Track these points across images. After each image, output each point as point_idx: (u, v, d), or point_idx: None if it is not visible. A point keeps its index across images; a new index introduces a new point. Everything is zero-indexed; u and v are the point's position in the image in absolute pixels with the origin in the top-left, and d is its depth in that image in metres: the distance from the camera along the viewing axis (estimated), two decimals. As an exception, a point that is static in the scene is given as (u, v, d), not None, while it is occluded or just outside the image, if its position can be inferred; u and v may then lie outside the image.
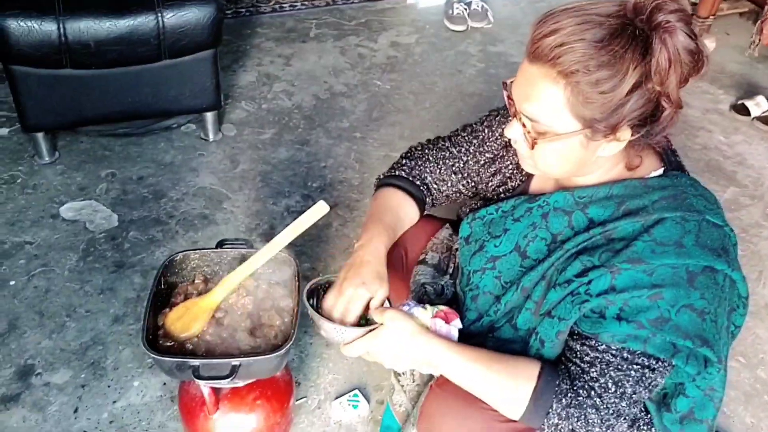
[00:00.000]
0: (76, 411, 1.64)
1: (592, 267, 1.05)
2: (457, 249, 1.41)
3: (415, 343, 1.12)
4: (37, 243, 2.05)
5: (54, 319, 1.84)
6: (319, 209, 1.30)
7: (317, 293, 1.26)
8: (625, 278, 1.01)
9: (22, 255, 2.01)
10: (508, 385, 1.07)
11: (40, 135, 2.28)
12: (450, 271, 1.42)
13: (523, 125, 1.06)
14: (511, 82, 1.09)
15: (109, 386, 1.70)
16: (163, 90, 2.29)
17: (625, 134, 1.03)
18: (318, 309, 1.21)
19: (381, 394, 1.73)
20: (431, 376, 1.36)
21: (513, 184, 1.30)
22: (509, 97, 1.09)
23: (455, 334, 1.17)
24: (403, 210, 1.37)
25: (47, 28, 2.01)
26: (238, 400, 1.40)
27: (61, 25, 2.02)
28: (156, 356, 1.22)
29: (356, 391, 1.71)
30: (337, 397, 1.71)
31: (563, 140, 1.03)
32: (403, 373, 1.44)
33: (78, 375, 1.72)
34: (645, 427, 1.20)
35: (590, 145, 1.04)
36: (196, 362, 1.22)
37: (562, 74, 0.98)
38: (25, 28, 1.99)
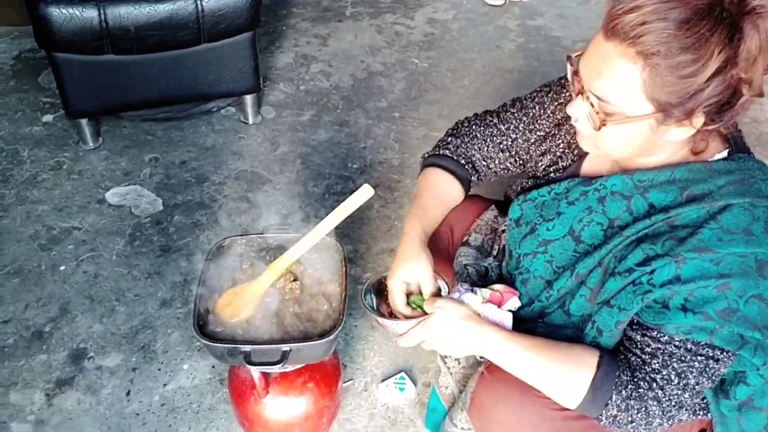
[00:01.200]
0: (128, 394, 1.68)
1: (655, 256, 1.01)
2: (503, 231, 1.38)
3: (465, 330, 1.11)
4: (85, 228, 2.09)
5: (104, 303, 1.88)
6: (364, 193, 1.29)
7: (375, 289, 1.26)
8: (690, 268, 0.98)
9: (71, 240, 2.05)
10: (565, 374, 1.05)
11: (83, 121, 2.31)
12: (494, 253, 1.40)
13: (591, 104, 1.01)
14: (577, 56, 1.04)
15: (159, 369, 1.73)
16: (202, 74, 2.29)
17: (699, 121, 0.98)
18: (375, 305, 1.24)
19: (427, 377, 1.73)
20: (477, 359, 1.35)
21: (564, 163, 1.26)
22: (575, 73, 1.04)
23: (508, 319, 1.15)
24: (448, 192, 1.35)
25: (88, 14, 2.03)
26: (288, 384, 1.41)
27: (101, 11, 2.03)
28: (208, 343, 1.23)
29: (402, 374, 1.71)
30: (383, 380, 1.71)
31: (633, 123, 0.99)
32: (450, 356, 1.44)
33: (129, 358, 1.75)
34: (701, 413, 1.17)
35: (659, 130, 1.00)
36: (247, 348, 1.23)
37: (641, 55, 0.93)
38: (66, 15, 2.01)
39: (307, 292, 1.38)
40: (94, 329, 1.82)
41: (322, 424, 1.50)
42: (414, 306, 1.21)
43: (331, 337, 1.25)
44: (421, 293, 1.22)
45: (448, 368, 1.46)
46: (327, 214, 1.29)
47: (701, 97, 0.94)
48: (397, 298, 1.20)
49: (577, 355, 1.07)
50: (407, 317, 1.18)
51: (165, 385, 1.70)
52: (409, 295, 1.22)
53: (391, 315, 1.23)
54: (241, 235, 1.44)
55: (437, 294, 1.21)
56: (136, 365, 1.74)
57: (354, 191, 1.28)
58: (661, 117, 0.97)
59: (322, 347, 1.27)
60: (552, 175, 1.28)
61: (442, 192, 1.35)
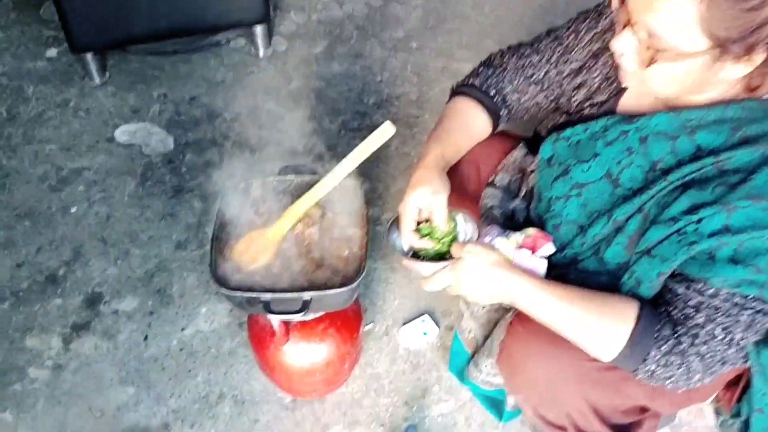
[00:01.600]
0: (146, 339, 1.65)
1: (703, 204, 0.93)
2: (531, 171, 1.31)
3: (495, 277, 1.05)
4: (95, 168, 2.03)
5: (117, 246, 1.84)
6: (385, 131, 1.22)
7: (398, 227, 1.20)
8: (741, 217, 0.90)
9: (81, 181, 1.99)
10: (601, 327, 1.00)
11: (89, 55, 2.21)
12: (521, 194, 1.33)
13: (639, 39, 0.92)
14: None
15: (176, 313, 1.70)
16: (210, 2, 2.18)
17: (759, 57, 0.89)
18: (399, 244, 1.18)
19: (450, 320, 1.69)
20: (501, 303, 1.30)
21: (600, 98, 1.17)
22: (622, 3, 0.94)
23: (542, 266, 1.09)
24: (474, 121, 1.27)
25: (88, -59, 1.91)
26: (309, 331, 1.37)
27: (101, -63, 1.91)
28: (227, 292, 1.19)
29: (425, 316, 1.67)
30: (404, 323, 1.67)
31: (686, 60, 0.90)
32: (474, 300, 1.39)
33: (145, 302, 1.72)
34: (740, 361, 1.12)
35: (714, 67, 0.91)
36: (267, 297, 1.18)
37: None
38: (65, -59, 1.89)
39: (327, 237, 1.32)
40: (109, 272, 1.78)
41: (344, 369, 1.48)
42: (422, 234, 1.15)
43: (354, 285, 1.20)
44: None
45: (471, 312, 1.41)
46: (344, 152, 1.23)
47: (764, 32, 0.85)
48: (405, 225, 1.14)
49: (614, 306, 1.01)
50: (418, 255, 1.14)
51: (183, 329, 1.67)
52: (419, 223, 1.17)
53: (416, 256, 1.17)
54: (257, 178, 1.38)
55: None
56: (153, 309, 1.71)
57: (371, 127, 1.21)
58: (717, 53, 0.88)
59: (344, 295, 1.23)
60: (586, 111, 1.19)
61: (468, 121, 1.26)
